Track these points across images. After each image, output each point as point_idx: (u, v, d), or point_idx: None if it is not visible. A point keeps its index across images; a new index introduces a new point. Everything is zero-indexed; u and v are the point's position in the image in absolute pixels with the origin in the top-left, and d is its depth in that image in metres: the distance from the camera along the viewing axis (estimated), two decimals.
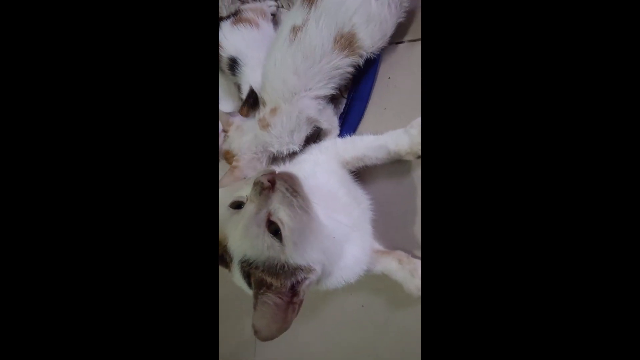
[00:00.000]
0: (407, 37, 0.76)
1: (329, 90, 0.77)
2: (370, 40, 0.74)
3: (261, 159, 0.81)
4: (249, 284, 0.58)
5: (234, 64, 0.91)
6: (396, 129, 0.75)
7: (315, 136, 0.90)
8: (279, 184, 0.56)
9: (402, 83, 0.77)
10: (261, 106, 0.80)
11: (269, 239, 0.54)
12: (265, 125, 0.78)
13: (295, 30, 0.74)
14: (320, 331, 0.96)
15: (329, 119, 0.83)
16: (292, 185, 0.57)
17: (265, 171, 0.57)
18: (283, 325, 0.54)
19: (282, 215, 0.55)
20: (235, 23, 0.92)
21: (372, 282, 0.83)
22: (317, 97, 0.77)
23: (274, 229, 0.55)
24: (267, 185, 0.55)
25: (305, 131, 0.81)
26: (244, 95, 0.87)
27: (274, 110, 0.77)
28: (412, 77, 0.75)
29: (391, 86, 0.79)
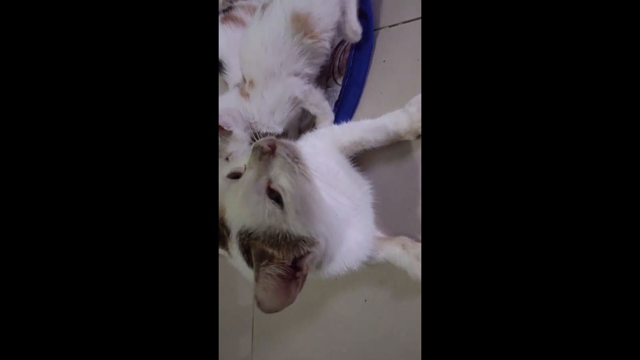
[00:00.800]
0: (401, 19, 0.77)
1: (304, 66, 0.77)
2: (323, 25, 0.75)
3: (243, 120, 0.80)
4: (248, 261, 0.54)
5: (220, 66, 0.93)
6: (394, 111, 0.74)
7: (310, 125, 0.89)
8: (280, 149, 0.53)
9: (397, 65, 0.77)
10: (242, 82, 0.81)
11: (269, 205, 0.51)
12: (244, 94, 0.79)
13: (264, 7, 0.76)
14: (321, 335, 0.90)
15: (318, 103, 0.82)
16: (293, 152, 0.54)
17: (265, 138, 0.55)
18: (287, 299, 0.50)
19: (284, 181, 0.52)
20: (223, 21, 0.92)
21: (375, 272, 0.80)
22: (297, 74, 0.77)
23: (275, 197, 0.52)
24: (268, 150, 0.52)
25: (287, 112, 0.81)
26: None
27: (251, 83, 0.78)
28: (407, 58, 0.76)
29: (387, 69, 0.79)
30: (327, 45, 0.77)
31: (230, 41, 0.89)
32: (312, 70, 0.80)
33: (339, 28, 0.78)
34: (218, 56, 0.90)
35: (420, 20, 0.75)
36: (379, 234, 0.78)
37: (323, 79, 0.89)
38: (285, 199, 0.51)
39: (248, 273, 0.57)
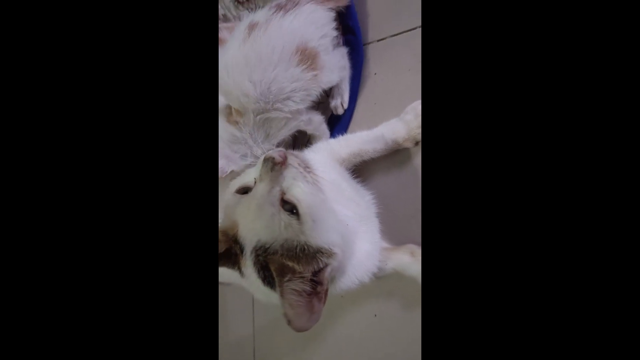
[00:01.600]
0: (388, 33, 0.80)
1: (296, 104, 0.70)
2: (329, 64, 0.72)
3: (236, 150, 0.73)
4: (264, 279, 0.51)
5: None
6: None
7: (305, 142, 0.88)
8: (291, 159, 0.52)
9: (388, 77, 0.79)
10: (227, 108, 0.73)
11: (285, 217, 0.49)
12: (233, 122, 0.71)
13: (251, 27, 0.66)
14: (329, 354, 0.86)
15: (317, 127, 0.81)
16: (304, 162, 0.53)
17: (275, 149, 0.53)
18: (312, 315, 0.47)
19: (298, 192, 0.51)
20: None
21: (383, 285, 0.78)
22: (293, 112, 0.71)
23: (289, 209, 0.50)
24: (280, 160, 0.51)
25: (283, 136, 0.76)
26: None
27: (238, 112, 0.70)
28: (397, 69, 0.78)
29: (378, 81, 0.81)
30: (322, 88, 0.73)
31: None
32: (304, 105, 0.73)
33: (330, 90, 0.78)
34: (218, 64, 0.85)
35: (406, 33, 0.78)
36: (385, 244, 0.77)
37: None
38: (302, 209, 0.49)
39: (261, 292, 0.54)
